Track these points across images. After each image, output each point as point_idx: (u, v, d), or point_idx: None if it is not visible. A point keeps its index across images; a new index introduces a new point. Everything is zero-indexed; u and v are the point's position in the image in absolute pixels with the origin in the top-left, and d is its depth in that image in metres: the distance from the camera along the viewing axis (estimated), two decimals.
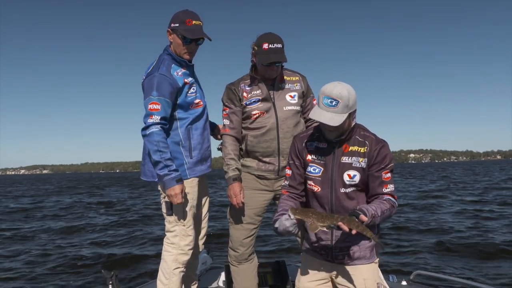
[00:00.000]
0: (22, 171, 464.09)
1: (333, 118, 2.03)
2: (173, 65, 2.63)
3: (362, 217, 1.94)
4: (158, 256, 3.13)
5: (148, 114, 2.49)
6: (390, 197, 2.16)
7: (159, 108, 2.49)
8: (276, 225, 2.09)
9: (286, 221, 2.05)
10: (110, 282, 3.07)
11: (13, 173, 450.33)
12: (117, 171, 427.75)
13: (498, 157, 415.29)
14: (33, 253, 8.24)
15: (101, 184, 46.61)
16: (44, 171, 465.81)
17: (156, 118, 2.48)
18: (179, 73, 2.63)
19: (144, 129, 2.51)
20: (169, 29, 2.62)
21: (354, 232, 1.93)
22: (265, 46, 2.62)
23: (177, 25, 2.56)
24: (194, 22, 2.56)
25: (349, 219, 1.95)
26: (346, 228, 1.92)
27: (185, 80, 2.64)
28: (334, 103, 2.03)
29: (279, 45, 2.63)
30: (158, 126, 2.49)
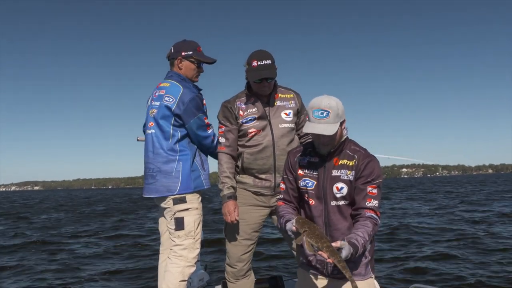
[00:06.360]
0: (13, 188, 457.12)
1: (326, 129, 2.10)
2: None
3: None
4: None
5: (208, 125, 2.92)
6: (372, 214, 2.17)
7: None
8: (288, 227, 2.17)
9: (290, 225, 2.14)
10: None
11: (3, 189, 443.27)
12: (109, 187, 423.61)
13: (490, 171, 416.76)
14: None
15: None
16: (36, 188, 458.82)
17: (213, 127, 2.97)
18: None
19: (212, 139, 2.93)
20: (180, 57, 2.90)
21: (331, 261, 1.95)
22: (254, 63, 2.69)
23: (191, 52, 2.89)
24: (201, 49, 2.96)
25: (332, 251, 1.93)
26: (325, 256, 1.95)
27: None
28: (325, 113, 2.12)
29: (268, 61, 2.69)
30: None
